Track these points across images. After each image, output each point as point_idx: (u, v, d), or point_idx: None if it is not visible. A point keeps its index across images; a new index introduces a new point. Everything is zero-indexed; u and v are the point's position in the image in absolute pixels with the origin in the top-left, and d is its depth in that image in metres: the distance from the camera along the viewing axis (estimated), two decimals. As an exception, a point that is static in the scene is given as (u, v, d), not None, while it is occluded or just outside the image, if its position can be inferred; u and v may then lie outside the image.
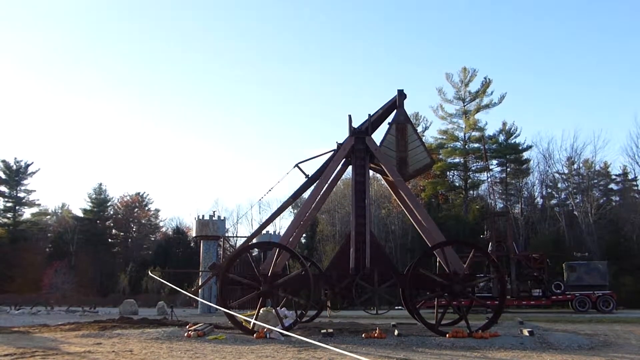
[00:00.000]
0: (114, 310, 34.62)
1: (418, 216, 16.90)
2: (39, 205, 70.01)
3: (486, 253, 19.15)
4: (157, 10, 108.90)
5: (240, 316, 15.77)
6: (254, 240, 20.53)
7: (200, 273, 34.95)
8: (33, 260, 55.61)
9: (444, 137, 57.32)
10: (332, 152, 17.44)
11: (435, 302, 17.07)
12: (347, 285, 15.50)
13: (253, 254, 17.65)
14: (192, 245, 59.71)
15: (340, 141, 17.28)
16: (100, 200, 69.80)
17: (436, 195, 55.87)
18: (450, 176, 58.05)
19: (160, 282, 50.61)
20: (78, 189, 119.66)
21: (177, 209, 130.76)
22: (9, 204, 66.25)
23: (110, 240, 71.34)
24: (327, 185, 17.29)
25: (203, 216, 38.23)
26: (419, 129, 56.12)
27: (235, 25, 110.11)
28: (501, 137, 55.68)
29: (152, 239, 73.30)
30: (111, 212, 72.49)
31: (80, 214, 69.29)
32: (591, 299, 30.54)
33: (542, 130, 75.63)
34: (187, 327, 15.48)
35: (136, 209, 73.38)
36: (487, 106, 55.82)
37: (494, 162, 55.24)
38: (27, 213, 68.74)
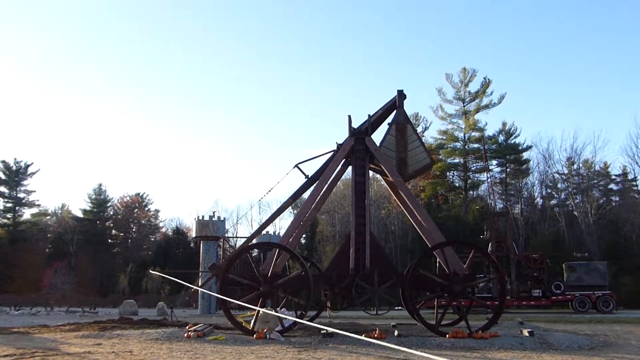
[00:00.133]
0: (113, 310, 34.61)
1: (418, 216, 16.90)
2: (38, 205, 70.10)
3: (486, 253, 19.14)
4: (157, 10, 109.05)
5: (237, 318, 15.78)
6: (254, 241, 20.53)
7: (200, 274, 34.93)
8: (33, 260, 55.59)
9: (444, 137, 57.33)
10: (332, 153, 17.44)
11: (435, 303, 17.08)
12: (347, 285, 15.50)
13: (253, 255, 17.65)
14: (192, 245, 59.68)
15: (340, 141, 17.29)
16: (100, 200, 69.79)
17: (436, 195, 55.87)
18: (450, 176, 58.05)
19: (160, 283, 50.74)
20: (78, 189, 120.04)
21: (177, 210, 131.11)
22: (8, 205, 66.24)
23: (110, 240, 71.32)
24: (327, 185, 17.30)
25: (203, 217, 38.21)
26: (419, 130, 56.14)
27: (235, 25, 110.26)
28: (501, 138, 55.70)
29: (152, 239, 73.28)
30: (111, 213, 72.49)
31: (80, 215, 69.29)
32: (591, 299, 30.54)
33: (542, 130, 75.80)
34: (187, 327, 15.48)
35: (136, 210, 73.37)
36: (486, 106, 55.86)
37: (494, 162, 55.25)
38: (27, 213, 68.84)
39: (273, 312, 13.89)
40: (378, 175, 22.79)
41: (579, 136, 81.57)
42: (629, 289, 37.32)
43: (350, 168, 17.43)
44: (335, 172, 17.48)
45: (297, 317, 16.58)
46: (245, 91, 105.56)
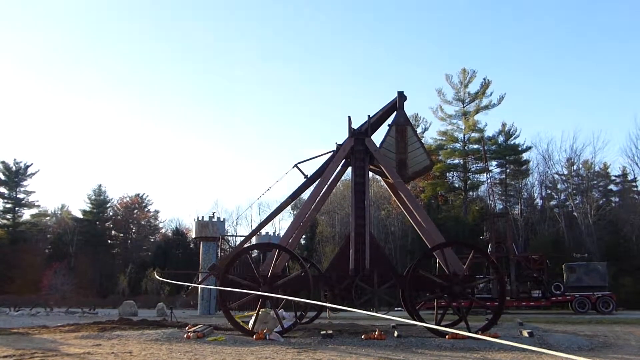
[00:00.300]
0: (113, 311, 34.58)
1: (418, 217, 16.89)
2: (38, 206, 70.01)
3: (486, 254, 19.13)
4: (157, 10, 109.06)
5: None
6: (253, 241, 20.54)
7: (200, 274, 34.91)
8: (32, 261, 55.54)
9: (444, 138, 57.36)
10: (332, 153, 17.44)
11: (435, 303, 17.08)
12: (346, 286, 15.50)
13: (252, 255, 17.64)
14: (191, 246, 59.68)
15: (340, 142, 17.29)
16: (99, 201, 69.77)
17: (436, 196, 55.88)
18: (450, 177, 58.08)
19: (160, 284, 50.64)
20: (77, 190, 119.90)
21: (176, 210, 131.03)
22: (8, 205, 66.20)
23: (109, 241, 71.28)
24: (326, 186, 17.29)
25: (202, 217, 38.18)
26: (419, 130, 56.14)
27: (235, 25, 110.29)
28: (500, 138, 55.73)
29: (152, 240, 73.26)
30: (111, 214, 72.47)
31: (80, 215, 69.27)
32: (591, 300, 30.54)
33: (542, 131, 75.48)
34: (187, 328, 15.46)
35: (136, 210, 73.35)
36: (486, 107, 55.90)
37: (494, 163, 55.27)
38: (26, 214, 68.76)
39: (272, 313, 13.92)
40: (378, 176, 22.78)
41: (579, 137, 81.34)
42: (628, 290, 37.34)
43: (350, 169, 17.43)
44: (335, 173, 17.48)
45: (296, 318, 16.59)
46: (245, 91, 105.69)
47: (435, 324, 14.86)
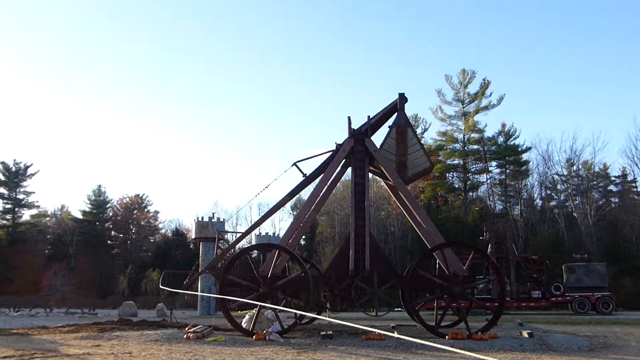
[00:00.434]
0: (113, 312, 34.58)
1: (417, 218, 16.89)
2: (38, 207, 70.07)
3: (485, 255, 19.13)
4: (157, 10, 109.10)
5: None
6: (253, 240, 20.49)
7: (199, 275, 34.90)
8: (32, 262, 55.53)
9: (443, 138, 57.34)
10: (331, 153, 17.42)
11: (435, 304, 17.08)
12: (346, 286, 15.49)
13: (252, 256, 17.61)
14: (191, 247, 59.66)
15: (340, 142, 17.27)
16: (99, 202, 69.76)
17: (435, 196, 55.87)
18: (450, 178, 58.05)
19: (160, 284, 50.57)
20: (77, 190, 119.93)
21: (176, 211, 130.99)
22: (8, 206, 66.22)
23: (109, 242, 71.28)
24: (326, 187, 17.28)
25: (202, 218, 38.20)
26: (418, 131, 56.13)
27: (235, 25, 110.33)
28: (500, 139, 55.71)
29: (152, 240, 73.27)
30: (110, 214, 72.46)
31: (80, 216, 69.27)
32: (590, 301, 30.52)
33: (542, 131, 75.64)
34: (187, 329, 15.45)
35: (135, 211, 73.34)
36: (486, 108, 55.87)
37: (493, 163, 55.25)
38: (26, 215, 68.81)
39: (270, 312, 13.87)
40: (377, 177, 22.76)
41: (579, 137, 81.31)
42: (628, 290, 37.34)
43: (349, 169, 17.41)
44: (335, 174, 17.46)
45: (296, 318, 16.56)
46: (245, 91, 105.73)
47: (435, 325, 14.87)
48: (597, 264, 33.89)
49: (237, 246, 23.36)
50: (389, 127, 17.39)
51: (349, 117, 17.20)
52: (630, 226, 45.48)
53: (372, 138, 17.23)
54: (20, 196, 67.12)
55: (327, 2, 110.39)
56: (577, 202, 50.59)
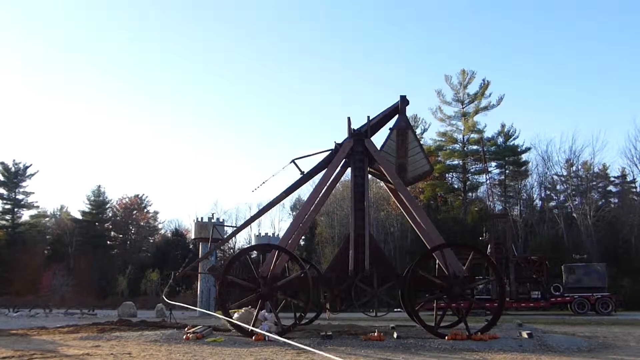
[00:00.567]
0: (112, 312, 34.55)
1: (417, 218, 16.87)
2: (37, 207, 70.08)
3: (485, 255, 19.12)
4: (157, 11, 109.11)
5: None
6: (252, 240, 20.47)
7: (200, 275, 34.91)
8: (31, 262, 55.49)
9: (443, 139, 57.40)
10: (330, 151, 17.38)
11: (435, 304, 17.06)
12: (346, 287, 15.47)
13: (252, 256, 17.60)
14: (190, 247, 59.61)
15: (339, 142, 17.24)
16: (98, 202, 69.72)
17: (435, 197, 55.90)
18: (449, 178, 58.10)
19: (159, 285, 50.55)
20: (77, 191, 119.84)
21: (175, 211, 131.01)
22: (7, 206, 66.22)
23: (108, 242, 71.22)
24: (326, 187, 17.26)
25: (202, 218, 38.17)
26: (418, 131, 56.19)
27: (235, 25, 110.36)
28: (500, 139, 55.77)
29: (151, 241, 73.24)
30: (110, 214, 72.42)
31: (79, 216, 69.23)
32: (590, 301, 30.55)
33: (541, 132, 75.90)
34: (186, 329, 15.43)
35: (135, 211, 73.30)
36: (485, 108, 55.96)
37: (493, 164, 55.30)
38: (25, 215, 68.82)
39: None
40: (377, 179, 22.73)
41: (578, 138, 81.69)
42: (627, 291, 37.35)
43: (349, 170, 17.40)
44: (335, 174, 17.44)
45: (296, 319, 16.55)
46: (246, 91, 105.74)
47: (435, 325, 14.86)
48: (596, 264, 33.92)
49: (237, 247, 23.34)
50: (390, 129, 17.35)
51: (348, 118, 17.20)
52: (630, 226, 45.51)
53: (373, 140, 17.21)
54: (20, 197, 67.17)
55: (327, 2, 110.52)
56: (576, 202, 50.63)
